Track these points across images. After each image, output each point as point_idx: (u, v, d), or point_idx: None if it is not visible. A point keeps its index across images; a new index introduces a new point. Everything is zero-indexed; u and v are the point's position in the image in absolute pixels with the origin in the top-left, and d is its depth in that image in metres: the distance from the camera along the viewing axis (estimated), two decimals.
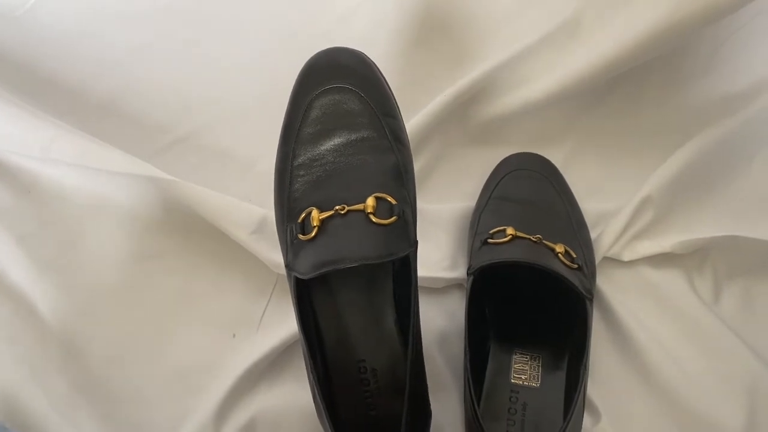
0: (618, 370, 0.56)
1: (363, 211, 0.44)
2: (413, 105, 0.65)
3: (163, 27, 0.70)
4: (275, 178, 0.48)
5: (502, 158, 0.63)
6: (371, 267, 0.46)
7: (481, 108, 0.67)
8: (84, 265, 0.59)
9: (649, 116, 0.67)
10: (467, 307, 0.53)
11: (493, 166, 0.64)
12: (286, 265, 0.46)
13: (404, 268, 0.46)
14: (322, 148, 0.47)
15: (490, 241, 0.54)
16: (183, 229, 0.61)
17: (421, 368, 0.47)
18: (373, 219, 0.43)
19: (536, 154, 0.62)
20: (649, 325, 0.57)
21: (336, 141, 0.46)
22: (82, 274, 0.59)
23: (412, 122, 0.64)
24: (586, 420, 0.53)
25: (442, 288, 0.61)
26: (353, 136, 0.46)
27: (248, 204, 0.60)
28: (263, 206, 0.61)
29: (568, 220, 0.58)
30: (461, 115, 0.67)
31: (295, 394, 0.55)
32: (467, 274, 0.55)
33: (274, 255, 0.58)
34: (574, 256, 0.54)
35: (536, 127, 0.68)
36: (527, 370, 0.55)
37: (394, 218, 0.44)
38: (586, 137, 0.68)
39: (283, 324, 0.58)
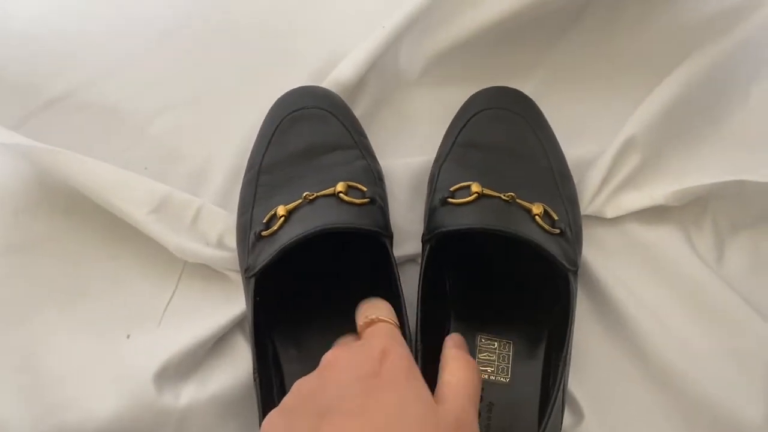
0: (605, 355, 0.49)
1: (333, 194, 0.42)
2: None
3: None
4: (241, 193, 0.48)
5: (466, 98, 0.52)
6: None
7: (429, 38, 0.58)
8: None
9: (630, 41, 0.59)
10: (421, 283, 0.43)
11: (450, 109, 0.53)
12: (246, 269, 0.43)
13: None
14: (290, 155, 0.47)
15: (450, 200, 0.44)
16: (64, 210, 0.52)
17: None
18: (345, 198, 0.42)
19: (511, 89, 0.51)
20: (642, 296, 0.49)
21: (305, 150, 0.47)
22: None
23: (347, 61, 0.56)
24: (567, 420, 0.44)
25: None
26: (325, 146, 0.47)
27: (147, 178, 0.51)
28: (164, 175, 0.53)
29: (550, 172, 0.48)
30: (407, 49, 0.58)
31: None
32: (422, 241, 0.45)
33: (178, 238, 0.49)
34: (556, 218, 0.44)
35: (497, 59, 0.59)
36: (494, 360, 0.45)
37: (366, 200, 0.43)
38: (556, 69, 0.59)
39: (192, 322, 0.48)
